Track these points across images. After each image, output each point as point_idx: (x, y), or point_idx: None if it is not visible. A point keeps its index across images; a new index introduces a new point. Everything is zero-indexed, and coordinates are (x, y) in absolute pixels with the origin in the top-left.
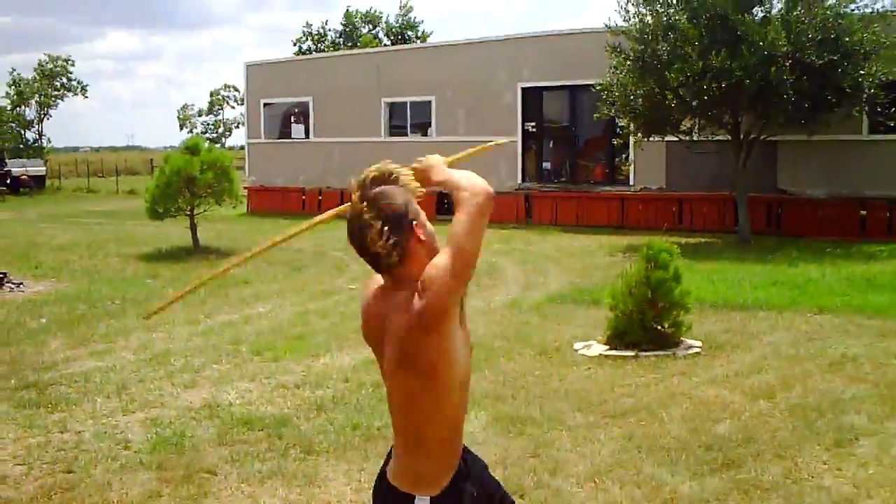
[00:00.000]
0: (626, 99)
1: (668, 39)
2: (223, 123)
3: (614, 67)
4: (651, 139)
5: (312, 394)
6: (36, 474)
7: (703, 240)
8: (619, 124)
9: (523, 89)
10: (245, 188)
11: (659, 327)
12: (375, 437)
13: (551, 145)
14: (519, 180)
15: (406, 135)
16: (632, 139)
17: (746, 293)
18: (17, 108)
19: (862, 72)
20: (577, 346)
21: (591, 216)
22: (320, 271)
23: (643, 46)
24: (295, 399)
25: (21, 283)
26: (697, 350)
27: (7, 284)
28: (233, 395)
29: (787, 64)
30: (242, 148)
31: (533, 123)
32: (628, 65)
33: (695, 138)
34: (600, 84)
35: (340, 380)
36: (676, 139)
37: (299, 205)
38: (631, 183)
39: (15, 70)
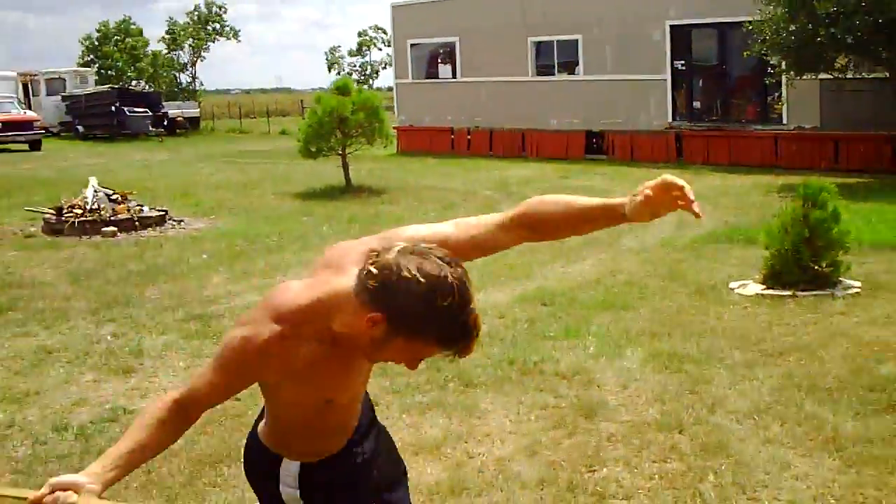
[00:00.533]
0: (778, 36)
1: None
2: (370, 65)
3: (765, 3)
4: (804, 77)
5: None
6: None
7: (860, 180)
8: (771, 62)
9: (672, 27)
10: (394, 128)
11: (816, 267)
12: (532, 371)
13: (701, 84)
14: (669, 119)
15: (553, 74)
16: (784, 77)
17: None
18: (172, 53)
19: None
20: (732, 284)
21: (743, 155)
22: (472, 207)
23: None
24: None
25: (182, 221)
26: (857, 290)
27: (169, 222)
28: None
29: None
30: (391, 89)
31: (682, 62)
32: (780, 0)
33: (849, 76)
34: (750, 22)
35: (495, 315)
36: (831, 77)
37: (448, 144)
38: (784, 122)
39: (171, 17)
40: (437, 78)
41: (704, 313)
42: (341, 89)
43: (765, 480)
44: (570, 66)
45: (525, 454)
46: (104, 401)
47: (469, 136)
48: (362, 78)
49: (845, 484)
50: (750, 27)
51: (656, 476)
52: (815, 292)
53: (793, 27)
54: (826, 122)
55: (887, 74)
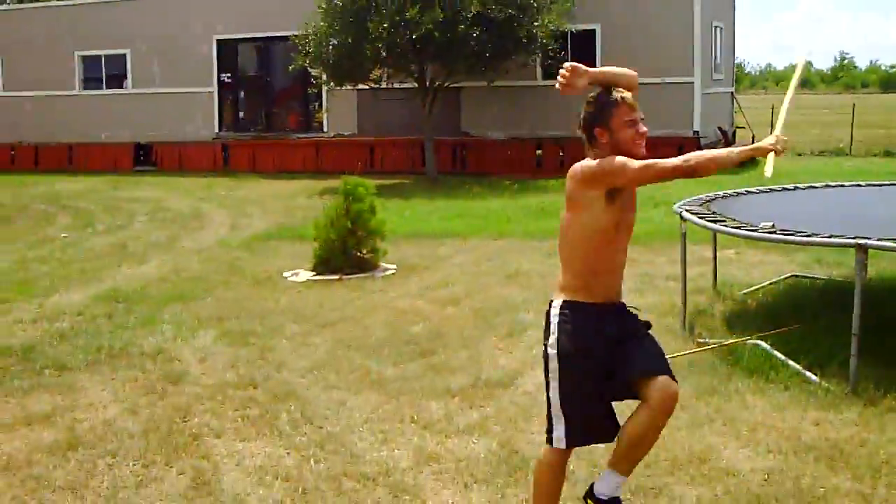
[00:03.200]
0: (320, 49)
1: None
2: None
3: (320, 17)
4: (343, 88)
5: (51, 326)
6: None
7: (394, 181)
8: (312, 74)
9: (219, 41)
10: None
11: (359, 254)
12: (119, 355)
13: (248, 95)
14: (216, 130)
15: (101, 88)
16: (324, 88)
17: (435, 224)
18: None
19: (536, 24)
20: (286, 274)
21: (287, 162)
22: (28, 224)
23: None
24: (35, 331)
25: None
26: (393, 272)
27: None
28: None
29: (471, 17)
30: None
31: (229, 74)
32: (331, 15)
33: (384, 86)
34: (297, 35)
35: (74, 314)
36: (367, 88)
37: None
38: (325, 130)
39: None
40: None
41: (264, 299)
42: None
43: (326, 414)
44: (119, 80)
45: (127, 413)
46: None
47: (13, 152)
48: None
49: (389, 409)
50: (296, 40)
51: (239, 419)
52: (358, 275)
53: (334, 41)
54: (363, 129)
55: (416, 85)
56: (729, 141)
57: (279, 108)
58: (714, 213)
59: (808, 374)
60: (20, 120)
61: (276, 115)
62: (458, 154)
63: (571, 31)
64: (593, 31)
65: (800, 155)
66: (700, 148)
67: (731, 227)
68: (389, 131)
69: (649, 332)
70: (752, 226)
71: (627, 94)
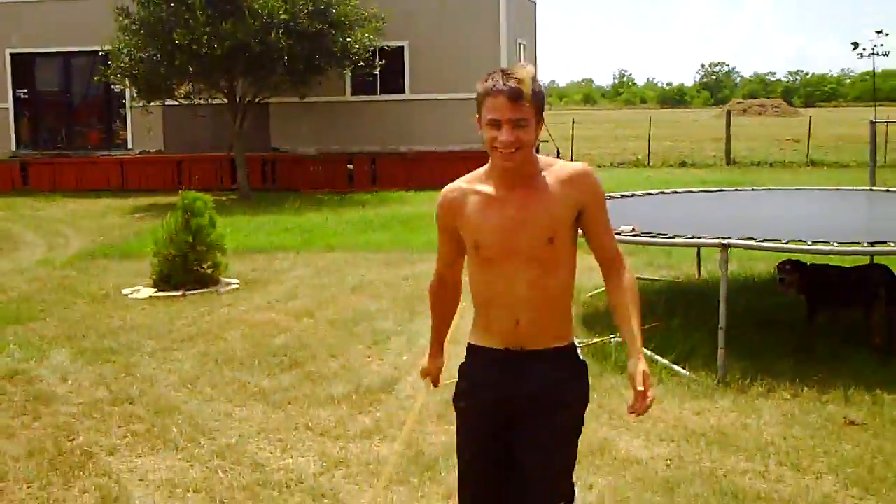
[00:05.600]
0: (128, 64)
1: (172, 6)
2: None
3: (120, 31)
4: (151, 104)
5: None
6: None
7: (206, 198)
8: (116, 89)
9: (13, 55)
10: None
11: (200, 269)
12: None
13: (47, 112)
14: (13, 147)
15: None
16: (128, 104)
17: (262, 239)
18: None
19: (350, 39)
20: (125, 291)
21: (91, 180)
22: None
23: (149, 10)
24: None
25: None
26: (236, 286)
27: None
28: None
29: (282, 31)
30: None
31: (25, 90)
32: (133, 28)
33: (193, 102)
34: (103, 50)
35: None
36: (176, 103)
37: None
38: (129, 146)
39: None
40: None
41: (109, 316)
42: None
43: (216, 426)
44: None
45: (2, 437)
46: None
47: None
48: None
49: (278, 419)
50: (103, 54)
51: (128, 435)
52: (201, 290)
53: (143, 55)
54: (170, 146)
55: (226, 101)
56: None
57: (80, 124)
58: None
59: (678, 368)
60: None
61: (78, 131)
62: (267, 170)
63: (381, 48)
64: (402, 47)
65: (600, 167)
66: None
67: None
68: (198, 147)
69: (571, 407)
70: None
71: (505, 87)
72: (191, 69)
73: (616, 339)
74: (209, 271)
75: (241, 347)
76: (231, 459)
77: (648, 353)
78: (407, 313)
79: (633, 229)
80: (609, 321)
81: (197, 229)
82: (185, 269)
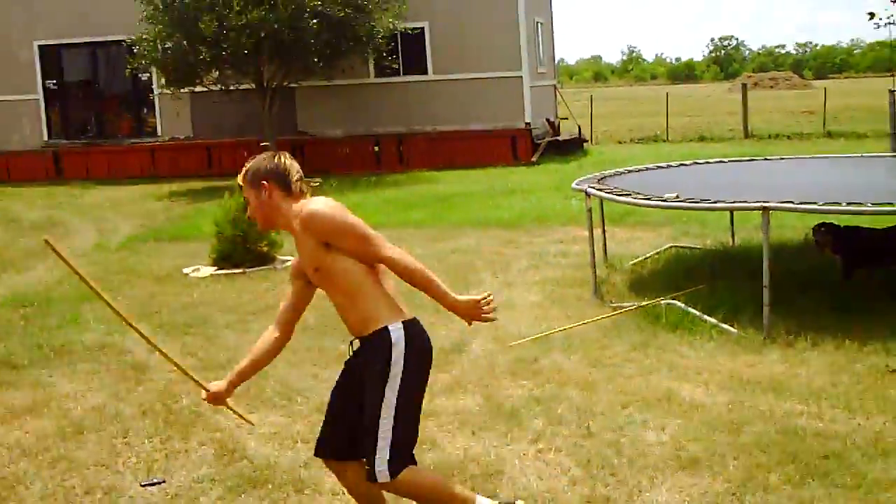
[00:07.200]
0: (156, 53)
1: None
2: None
3: (146, 20)
4: (179, 91)
5: None
6: None
7: (231, 182)
8: (143, 78)
9: (41, 47)
10: None
11: (258, 247)
12: (63, 351)
13: (77, 101)
14: (45, 138)
15: None
16: (157, 91)
17: None
18: None
19: (373, 23)
20: (185, 270)
21: (123, 168)
22: None
23: None
24: None
25: None
26: (290, 264)
27: None
28: None
29: (312, 15)
30: None
31: (54, 81)
32: (158, 16)
33: (221, 88)
34: (131, 38)
35: None
36: (205, 90)
37: None
38: (159, 133)
39: None
40: None
41: (176, 294)
42: None
43: (307, 387)
44: None
45: (114, 400)
46: None
47: None
48: None
49: None
50: (130, 44)
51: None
52: (260, 268)
53: (170, 45)
54: (199, 132)
55: (253, 86)
56: (556, 131)
57: (110, 113)
58: (615, 188)
59: (726, 326)
60: None
61: (108, 120)
62: (296, 153)
63: (401, 31)
64: (422, 29)
65: (620, 143)
66: (532, 139)
67: (642, 200)
68: (226, 133)
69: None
70: (658, 197)
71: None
72: (223, 55)
73: (666, 301)
74: (266, 249)
75: (312, 316)
76: None
77: (697, 312)
78: (462, 283)
79: (677, 196)
80: (655, 285)
81: None
82: (245, 248)
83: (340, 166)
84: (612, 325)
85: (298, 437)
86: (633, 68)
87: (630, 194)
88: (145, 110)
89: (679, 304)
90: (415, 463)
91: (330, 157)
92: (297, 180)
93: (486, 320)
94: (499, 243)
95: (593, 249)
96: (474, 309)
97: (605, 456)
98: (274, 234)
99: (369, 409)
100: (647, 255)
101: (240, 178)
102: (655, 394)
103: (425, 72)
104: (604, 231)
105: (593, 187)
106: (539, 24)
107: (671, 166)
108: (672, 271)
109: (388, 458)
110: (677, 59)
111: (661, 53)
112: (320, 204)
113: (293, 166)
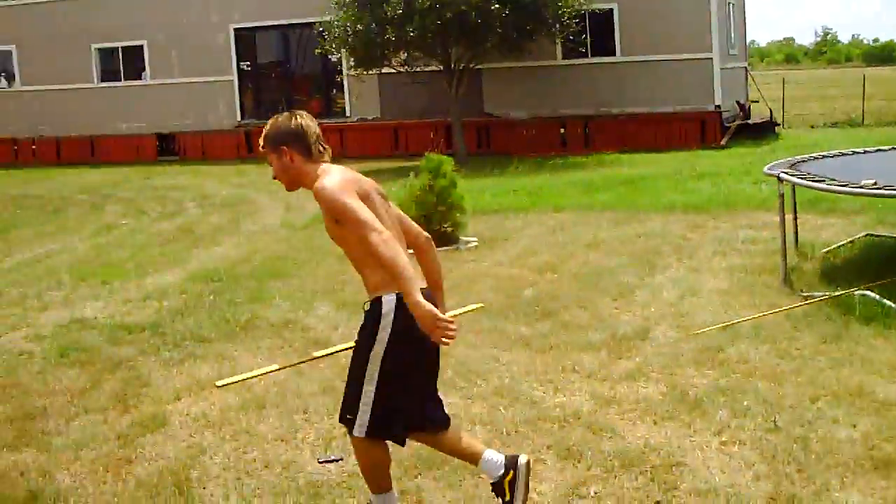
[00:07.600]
0: (345, 35)
1: None
2: None
3: (336, 5)
4: (366, 72)
5: (162, 304)
6: None
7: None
8: (332, 59)
9: (236, 30)
10: None
11: (442, 227)
12: (248, 326)
13: (268, 83)
14: (238, 118)
15: (119, 80)
16: (346, 73)
17: (490, 200)
18: None
19: (560, 3)
20: None
21: None
22: (79, 214)
23: None
24: (149, 309)
25: None
26: (475, 244)
27: None
28: (89, 311)
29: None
30: None
31: (248, 63)
32: (348, 2)
33: (407, 70)
34: (320, 22)
35: (179, 293)
36: (392, 71)
37: (10, 155)
38: (348, 115)
39: None
40: None
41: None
42: None
43: (487, 369)
44: (137, 72)
45: (295, 376)
46: None
47: (34, 146)
48: None
49: (544, 362)
50: (320, 28)
51: None
52: (443, 248)
53: (359, 27)
54: (386, 113)
55: (441, 68)
56: (747, 114)
57: (300, 94)
58: (809, 174)
59: None
60: (39, 114)
61: (298, 101)
62: (482, 135)
63: (590, 11)
64: (611, 10)
65: (812, 127)
66: (722, 122)
67: (838, 186)
68: (413, 114)
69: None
70: (854, 184)
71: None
72: (409, 38)
73: (860, 291)
74: (449, 230)
75: (494, 299)
76: (509, 397)
77: (893, 305)
78: (647, 268)
79: (875, 183)
80: (849, 275)
81: (441, 190)
82: (429, 229)
83: (525, 148)
84: (802, 316)
85: (476, 420)
86: (826, 50)
87: (825, 180)
88: (334, 91)
89: (874, 295)
90: (402, 440)
91: (514, 138)
92: (315, 142)
93: (438, 341)
94: (685, 228)
95: (784, 236)
96: (430, 321)
97: (791, 451)
98: (457, 215)
99: (352, 370)
100: (841, 243)
101: (260, 142)
102: (847, 388)
103: (613, 53)
104: (795, 217)
105: (786, 172)
106: (731, 5)
107: (868, 151)
108: (867, 261)
109: (366, 424)
110: (875, 41)
111: (858, 35)
112: (325, 181)
113: (310, 127)
